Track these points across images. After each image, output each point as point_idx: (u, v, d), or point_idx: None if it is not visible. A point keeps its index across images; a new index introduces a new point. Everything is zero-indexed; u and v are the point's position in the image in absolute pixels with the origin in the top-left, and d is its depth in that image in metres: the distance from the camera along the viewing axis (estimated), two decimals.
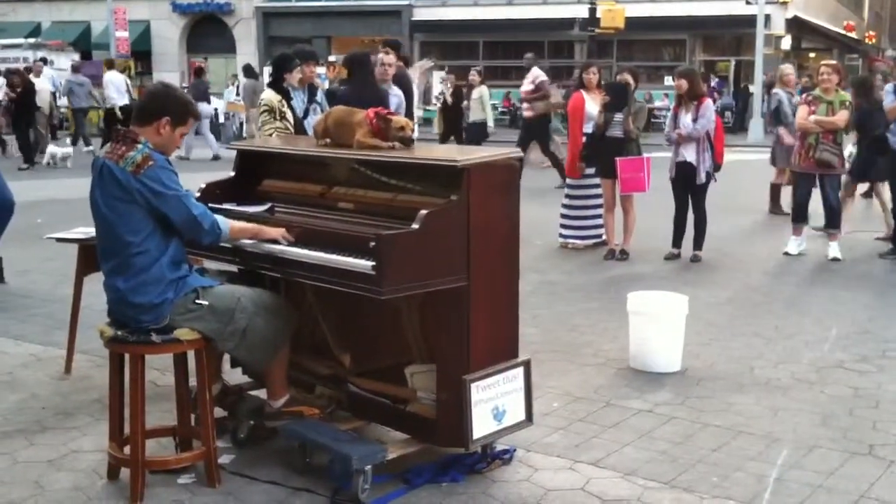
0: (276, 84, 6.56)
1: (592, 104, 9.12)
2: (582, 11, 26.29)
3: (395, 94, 7.99)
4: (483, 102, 15.32)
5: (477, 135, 15.12)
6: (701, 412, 4.67)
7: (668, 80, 22.52)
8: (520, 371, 3.85)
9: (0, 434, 4.33)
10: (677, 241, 8.72)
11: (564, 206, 9.38)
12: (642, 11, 28.04)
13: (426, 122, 27.28)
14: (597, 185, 9.14)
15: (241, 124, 23.87)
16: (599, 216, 9.27)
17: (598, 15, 25.04)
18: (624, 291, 5.71)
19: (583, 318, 6.56)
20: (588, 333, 6.15)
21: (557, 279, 7.89)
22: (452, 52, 32.50)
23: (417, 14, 32.69)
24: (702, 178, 8.44)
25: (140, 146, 3.52)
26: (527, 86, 14.14)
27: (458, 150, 4.04)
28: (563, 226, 9.38)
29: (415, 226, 3.37)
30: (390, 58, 8.05)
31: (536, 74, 14.28)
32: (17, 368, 5.30)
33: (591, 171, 9.08)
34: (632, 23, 26.24)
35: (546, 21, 29.82)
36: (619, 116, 8.62)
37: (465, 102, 15.96)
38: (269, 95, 6.47)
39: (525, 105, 14.60)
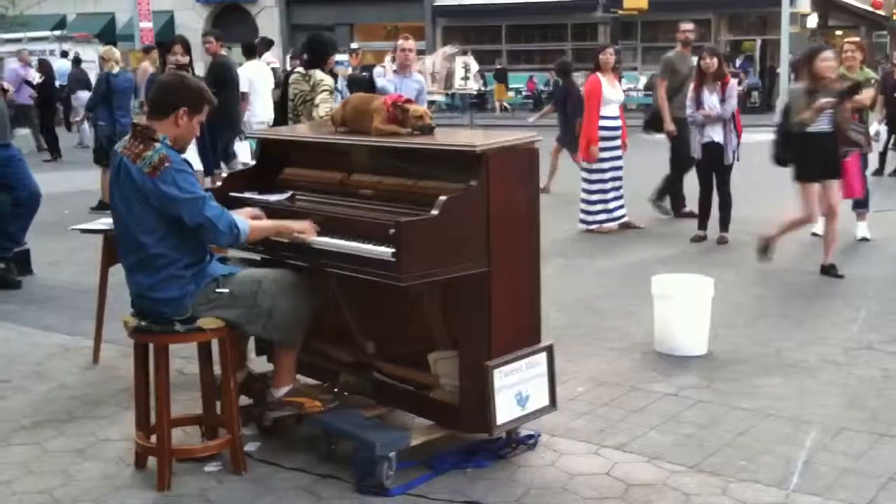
0: (320, 67, 6.55)
1: (609, 87, 9.06)
2: None
3: (417, 81, 7.98)
4: (387, 89, 14.64)
5: None
6: (727, 395, 4.63)
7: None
8: (543, 356, 3.84)
9: (29, 424, 4.38)
10: (703, 222, 8.66)
11: (584, 189, 9.32)
12: None
13: (449, 107, 27.27)
14: (614, 168, 9.09)
15: None
16: (619, 198, 9.22)
17: None
18: (649, 274, 5.67)
19: (607, 301, 6.53)
20: (612, 317, 6.13)
21: (581, 263, 7.86)
22: (475, 36, 32.38)
23: None
24: (729, 158, 8.38)
25: (158, 145, 3.49)
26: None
27: (478, 136, 4.02)
28: (583, 211, 9.33)
29: (434, 212, 3.36)
30: (410, 43, 8.04)
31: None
32: (46, 359, 5.36)
33: (607, 154, 9.02)
34: (655, 4, 26.02)
35: (569, 3, 29.63)
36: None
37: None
38: (325, 77, 6.47)
39: None
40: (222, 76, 10.07)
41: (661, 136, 9.75)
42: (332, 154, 4.25)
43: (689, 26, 10.06)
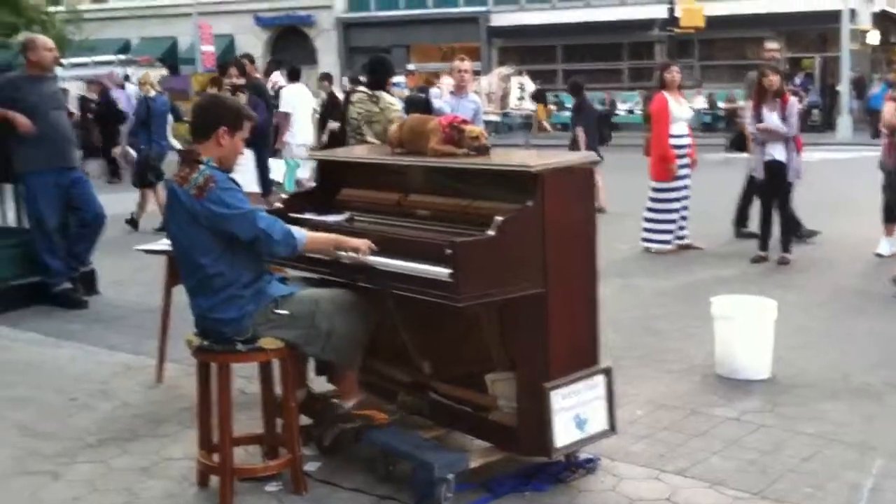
0: (381, 88, 6.64)
1: (676, 104, 8.99)
2: (661, 11, 25.94)
3: (473, 101, 8.02)
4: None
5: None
6: (791, 420, 4.55)
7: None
8: (601, 378, 3.81)
9: (95, 442, 4.47)
10: (764, 243, 8.53)
11: (650, 209, 9.22)
12: (723, 10, 27.50)
13: (505, 127, 27.28)
14: (681, 188, 9.01)
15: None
16: (685, 218, 9.12)
17: (678, 14, 24.69)
18: (708, 295, 5.60)
19: (666, 322, 6.47)
20: (672, 339, 6.06)
21: (640, 283, 7.79)
22: (530, 56, 32.40)
23: (495, 20, 32.69)
24: (791, 176, 8.26)
25: (202, 167, 3.54)
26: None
27: (533, 156, 4.02)
28: (646, 229, 9.24)
29: (490, 232, 3.37)
30: (466, 64, 8.08)
31: (275, 80, 13.66)
32: (111, 377, 5.46)
33: (679, 172, 8.94)
34: (712, 21, 25.78)
35: (624, 23, 29.51)
36: None
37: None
38: (394, 100, 6.60)
39: None
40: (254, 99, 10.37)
41: (746, 156, 9.56)
42: (389, 175, 4.29)
43: (775, 45, 9.95)
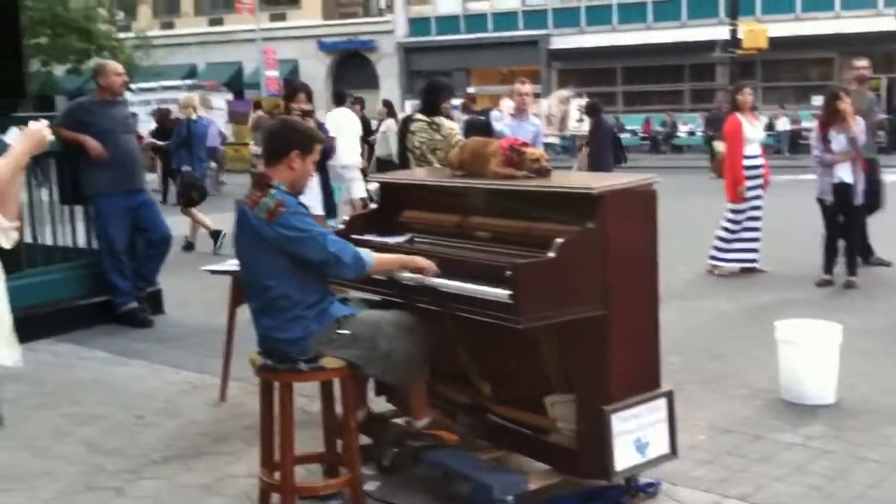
0: (434, 112, 6.71)
1: (749, 126, 8.90)
2: (723, 33, 25.73)
3: (533, 124, 8.04)
4: (388, 138, 13.87)
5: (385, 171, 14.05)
6: (857, 446, 4.46)
7: (817, 101, 21.69)
8: (662, 402, 3.78)
9: (159, 459, 4.55)
10: (829, 266, 8.38)
11: (723, 228, 9.10)
12: (786, 31, 27.21)
13: (563, 150, 27.25)
14: (755, 209, 8.88)
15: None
16: (754, 240, 9.00)
17: (740, 36, 24.45)
18: (773, 319, 5.52)
19: (729, 346, 6.39)
20: (735, 362, 5.98)
21: (702, 306, 7.71)
22: (590, 78, 32.36)
23: (555, 42, 32.75)
24: (859, 198, 8.12)
25: (273, 191, 3.59)
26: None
27: (594, 178, 4.03)
28: (715, 248, 9.13)
29: (551, 254, 3.38)
30: (527, 87, 8.11)
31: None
32: (176, 395, 5.56)
33: (749, 193, 8.84)
34: (775, 42, 25.50)
35: (686, 44, 29.33)
36: None
37: (372, 136, 14.99)
38: (454, 124, 6.68)
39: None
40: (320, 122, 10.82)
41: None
42: (450, 197, 4.32)
43: (864, 62, 9.75)
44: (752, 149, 8.99)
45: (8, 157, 2.86)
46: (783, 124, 27.82)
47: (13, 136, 2.90)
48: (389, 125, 14.21)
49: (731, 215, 9.11)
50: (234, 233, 3.75)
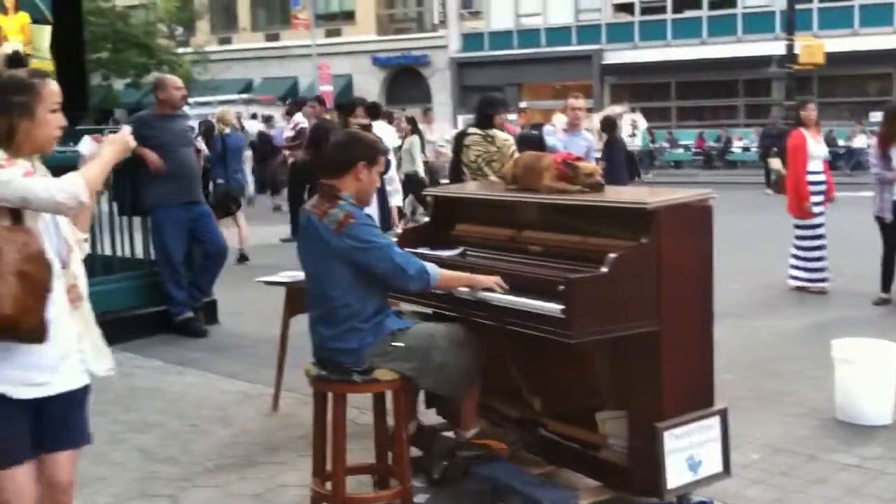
0: (488, 125, 6.75)
1: (814, 142, 8.77)
2: (779, 48, 25.42)
3: (585, 139, 8.04)
4: (413, 154, 14.15)
5: (412, 187, 13.86)
6: None
7: (875, 117, 21.31)
8: (716, 420, 3.74)
9: (213, 467, 4.62)
10: (887, 284, 8.22)
11: (796, 246, 8.98)
12: (843, 46, 26.81)
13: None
14: (820, 225, 8.75)
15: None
16: (821, 258, 8.84)
17: (796, 51, 24.15)
18: (829, 337, 5.44)
19: (784, 364, 6.30)
20: (790, 381, 5.89)
21: (757, 324, 7.61)
22: (644, 93, 32.21)
23: (608, 57, 32.64)
24: None
25: (342, 202, 3.63)
26: (287, 132, 13.37)
27: (648, 192, 4.01)
28: (793, 266, 8.99)
29: (604, 269, 3.37)
30: (580, 102, 8.12)
31: (298, 121, 13.65)
32: (230, 405, 5.63)
33: (816, 210, 8.71)
34: (832, 58, 25.15)
35: (741, 59, 29.06)
36: None
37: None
38: (508, 136, 6.76)
39: (287, 152, 14.12)
40: (323, 136, 11.08)
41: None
42: (503, 211, 4.34)
43: None
44: (816, 165, 8.83)
45: (97, 165, 2.87)
46: (844, 140, 27.38)
47: (86, 145, 2.95)
48: (413, 141, 14.41)
49: (798, 231, 8.97)
50: (299, 242, 3.80)
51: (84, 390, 2.96)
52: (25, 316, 2.60)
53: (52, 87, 2.84)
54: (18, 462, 2.82)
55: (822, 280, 8.90)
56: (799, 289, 8.89)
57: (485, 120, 6.78)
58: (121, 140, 2.94)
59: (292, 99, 16.36)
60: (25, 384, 2.77)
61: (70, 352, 2.87)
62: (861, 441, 4.76)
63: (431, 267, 3.70)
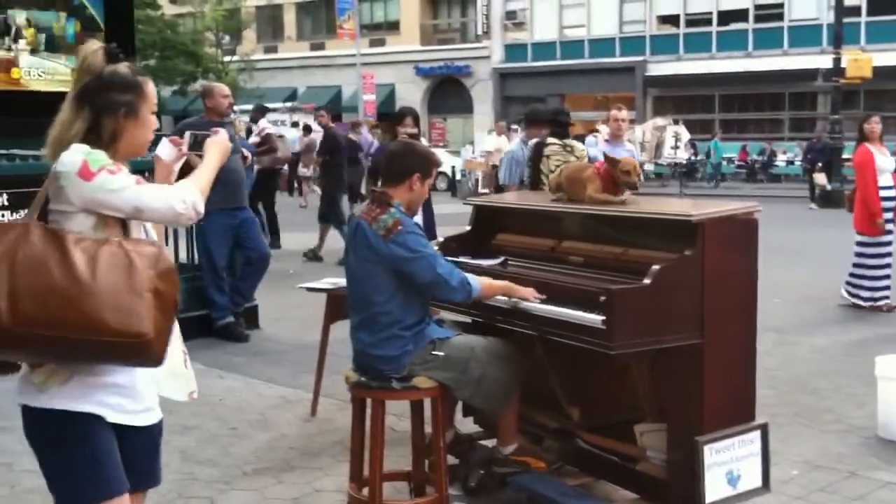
0: (567, 135, 6.94)
1: (881, 156, 8.59)
2: (825, 62, 25.15)
3: (627, 150, 8.03)
4: None
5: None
6: None
7: None
8: (756, 435, 3.71)
9: (251, 471, 4.66)
10: None
11: (856, 265, 8.77)
12: (891, 60, 26.45)
13: (657, 176, 26.99)
14: (889, 243, 8.54)
15: (477, 181, 24.56)
16: (887, 277, 8.63)
17: (843, 65, 23.86)
18: (871, 354, 5.37)
19: (825, 381, 6.22)
20: (830, 398, 5.82)
21: (798, 339, 7.53)
22: (687, 106, 31.99)
23: (651, 69, 32.50)
24: None
25: (393, 209, 3.68)
26: (253, 138, 13.32)
27: (694, 205, 3.99)
28: (851, 284, 8.79)
29: (646, 281, 3.36)
30: (623, 114, 8.11)
31: (262, 126, 13.56)
32: (269, 409, 5.68)
33: (889, 226, 8.52)
34: (880, 72, 24.82)
35: (787, 73, 28.79)
36: None
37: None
38: (581, 146, 6.96)
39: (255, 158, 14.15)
40: (332, 144, 12.74)
41: None
42: (545, 221, 4.34)
43: None
44: (885, 179, 8.57)
45: (206, 171, 2.67)
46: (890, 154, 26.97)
47: (165, 149, 2.84)
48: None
49: (860, 248, 8.74)
50: (346, 246, 3.83)
51: (161, 424, 2.71)
52: (159, 337, 2.33)
53: (153, 87, 2.63)
54: (126, 488, 2.52)
55: (885, 298, 8.63)
56: (855, 306, 8.68)
57: (562, 130, 6.84)
58: (223, 143, 2.77)
59: (260, 104, 16.44)
60: (119, 411, 2.50)
61: (157, 378, 2.66)
62: None
63: (473, 278, 3.72)
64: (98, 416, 2.44)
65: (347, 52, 33.75)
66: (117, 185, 2.42)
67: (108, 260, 2.32)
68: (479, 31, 36.17)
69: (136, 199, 2.43)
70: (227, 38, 35.42)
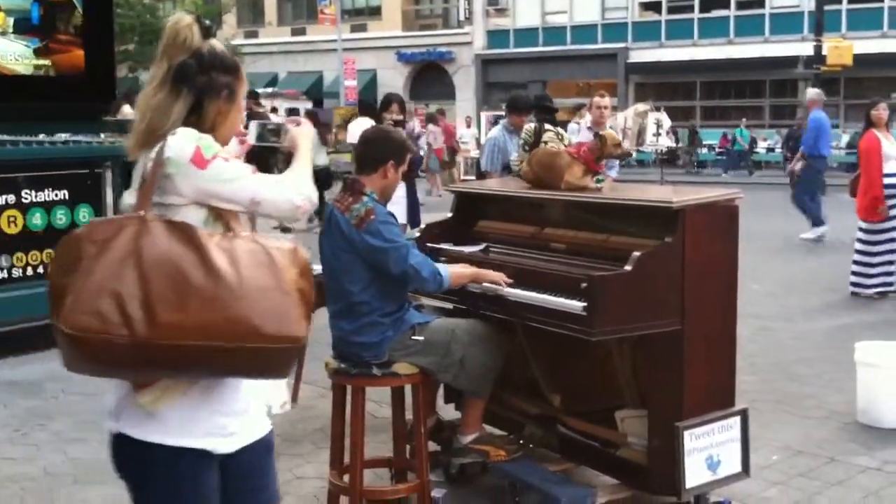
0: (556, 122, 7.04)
1: (888, 143, 8.59)
2: (806, 49, 25.26)
3: None
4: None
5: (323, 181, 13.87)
6: None
7: None
8: (736, 420, 3.72)
9: None
10: None
11: (859, 251, 8.76)
12: (871, 48, 26.55)
13: (639, 163, 27.03)
14: (892, 229, 8.55)
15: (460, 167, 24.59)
16: (890, 262, 8.62)
17: (824, 52, 23.96)
18: (851, 340, 5.41)
19: (805, 367, 6.26)
20: (811, 384, 5.86)
21: (778, 326, 7.57)
22: (669, 92, 32.03)
23: (634, 56, 32.51)
24: None
25: (365, 198, 3.65)
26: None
27: (675, 191, 3.99)
28: (855, 273, 8.78)
29: (627, 267, 3.36)
30: (606, 101, 8.11)
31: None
32: None
33: (892, 213, 8.49)
34: (860, 59, 24.93)
35: (768, 60, 28.85)
36: None
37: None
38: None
39: None
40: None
41: None
42: (526, 207, 4.33)
43: None
44: (891, 166, 8.54)
45: (303, 161, 2.40)
46: None
47: (251, 130, 2.62)
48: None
49: (864, 235, 8.72)
50: (321, 234, 3.81)
51: (271, 434, 2.38)
52: (303, 340, 2.08)
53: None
54: None
55: (888, 285, 8.62)
56: (854, 294, 8.67)
57: (552, 116, 6.88)
58: (311, 132, 2.55)
59: (253, 90, 16.55)
60: (228, 435, 2.20)
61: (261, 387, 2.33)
62: (882, 444, 4.72)
63: (444, 269, 3.72)
64: (208, 452, 2.16)
65: (329, 37, 33.58)
66: (233, 174, 2.16)
67: (249, 257, 2.05)
68: (462, 17, 36.04)
69: (253, 190, 2.17)
70: (206, 23, 35.10)
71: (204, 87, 2.20)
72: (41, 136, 7.31)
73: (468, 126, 26.01)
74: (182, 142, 2.13)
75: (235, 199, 2.16)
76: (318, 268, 4.04)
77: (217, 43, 2.28)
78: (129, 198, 2.18)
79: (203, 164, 2.12)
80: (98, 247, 1.96)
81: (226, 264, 2.01)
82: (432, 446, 4.16)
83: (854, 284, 8.79)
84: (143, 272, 1.95)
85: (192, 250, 2.00)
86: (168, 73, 2.20)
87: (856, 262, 8.80)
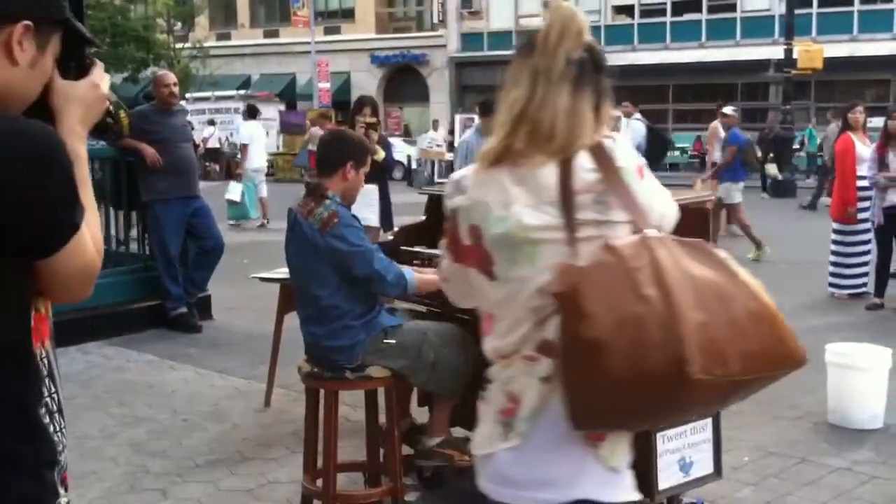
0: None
1: (863, 146, 8.65)
2: (777, 53, 25.48)
3: None
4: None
5: None
6: None
7: (875, 122, 21.37)
8: (708, 422, 3.74)
9: (204, 462, 4.61)
10: (880, 290, 8.22)
11: (835, 252, 8.84)
12: (842, 51, 26.84)
13: None
14: (866, 231, 8.60)
15: (433, 170, 24.60)
16: (864, 264, 8.70)
17: (795, 56, 24.20)
18: (821, 342, 5.45)
19: None
20: (782, 385, 5.76)
21: None
22: (641, 96, 32.16)
23: (606, 59, 32.61)
24: None
25: (328, 202, 3.64)
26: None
27: None
28: (832, 274, 8.85)
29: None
30: None
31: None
32: (222, 400, 5.63)
33: (864, 215, 8.52)
34: (831, 63, 25.20)
35: (739, 63, 29.09)
36: None
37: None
38: None
39: None
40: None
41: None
42: None
43: None
44: (865, 168, 8.50)
45: None
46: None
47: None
48: (314, 132, 14.60)
49: (839, 237, 8.80)
50: (286, 240, 3.80)
51: None
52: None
53: None
54: None
55: (863, 286, 8.67)
56: (835, 297, 8.74)
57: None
58: None
59: (253, 105, 16.57)
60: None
61: None
62: (852, 445, 4.77)
63: (408, 273, 3.72)
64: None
65: (302, 39, 33.49)
66: (659, 187, 1.91)
67: (744, 273, 1.81)
68: (435, 20, 36.07)
69: (670, 205, 1.94)
70: (179, 25, 34.95)
71: (602, 90, 1.98)
72: None
73: (435, 129, 26.15)
74: (627, 150, 1.89)
75: (655, 215, 1.91)
76: (287, 272, 4.04)
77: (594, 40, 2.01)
78: (533, 218, 1.80)
79: (642, 174, 1.88)
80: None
81: (756, 284, 1.84)
82: (406, 450, 4.15)
83: (832, 285, 8.87)
84: (703, 300, 1.71)
85: (721, 273, 1.80)
86: (571, 73, 1.92)
87: (832, 264, 8.88)
